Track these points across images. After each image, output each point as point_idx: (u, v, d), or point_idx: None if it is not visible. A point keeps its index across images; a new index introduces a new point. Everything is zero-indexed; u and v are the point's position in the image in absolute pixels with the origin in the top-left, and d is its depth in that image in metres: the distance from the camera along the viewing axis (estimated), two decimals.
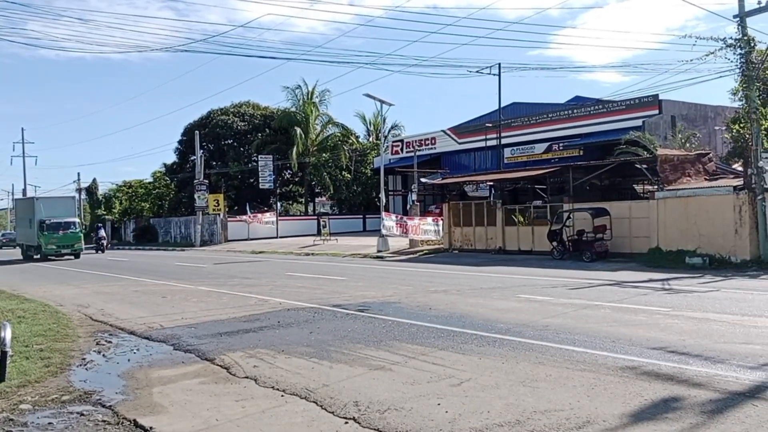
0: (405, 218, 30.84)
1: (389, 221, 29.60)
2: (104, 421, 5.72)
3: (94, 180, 66.44)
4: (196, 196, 42.57)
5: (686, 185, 20.42)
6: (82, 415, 5.89)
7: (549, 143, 36.13)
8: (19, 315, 11.59)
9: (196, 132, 45.57)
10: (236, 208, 49.73)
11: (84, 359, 8.29)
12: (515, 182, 30.43)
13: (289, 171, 51.71)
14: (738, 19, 18.30)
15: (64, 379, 7.23)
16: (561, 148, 35.42)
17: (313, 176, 49.29)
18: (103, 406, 6.17)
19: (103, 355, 8.59)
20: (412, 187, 38.37)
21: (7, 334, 7.18)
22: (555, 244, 22.44)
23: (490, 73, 33.83)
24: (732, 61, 18.48)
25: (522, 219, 25.44)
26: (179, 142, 54.84)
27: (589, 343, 8.11)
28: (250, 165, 49.18)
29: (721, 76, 25.66)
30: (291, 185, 55.75)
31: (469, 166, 41.69)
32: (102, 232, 42.28)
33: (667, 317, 9.96)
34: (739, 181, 19.28)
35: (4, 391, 6.57)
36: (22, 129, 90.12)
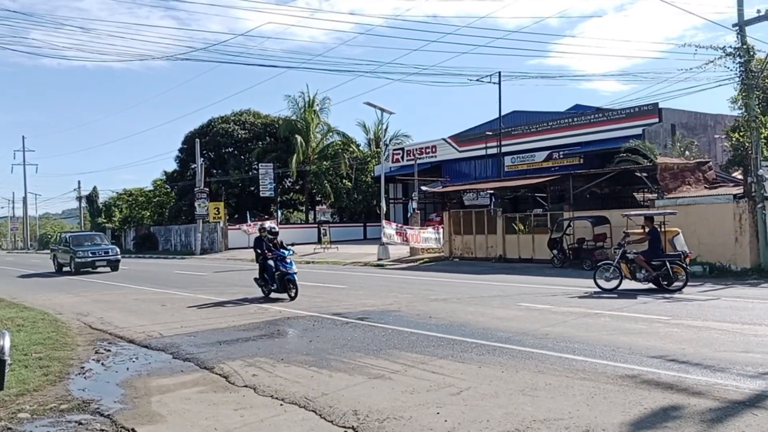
0: (405, 227, 30.86)
1: (390, 229, 29.61)
2: (102, 430, 5.70)
3: (95, 188, 66.64)
4: (196, 204, 42.62)
5: (686, 193, 20.43)
6: (81, 424, 5.88)
7: (549, 151, 36.15)
8: (18, 323, 11.58)
9: (197, 140, 45.68)
10: (237, 216, 49.75)
11: (83, 368, 8.27)
12: (515, 190, 30.45)
13: (289, 179, 51.76)
14: (737, 28, 18.36)
15: (63, 387, 7.21)
16: (561, 156, 35.45)
17: (313, 184, 49.33)
18: (102, 415, 6.15)
19: (102, 364, 8.57)
20: (413, 195, 38.37)
21: (6, 343, 7.15)
22: (555, 252, 22.45)
23: (490, 82, 33.90)
24: (731, 70, 18.55)
25: (522, 227, 25.45)
26: (180, 150, 54.95)
27: (589, 352, 8.10)
28: (250, 173, 49.24)
29: (720, 85, 25.83)
30: (291, 193, 55.80)
31: (469, 174, 41.71)
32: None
33: (667, 326, 9.95)
34: (739, 190, 19.30)
35: (2, 399, 6.55)
36: (23, 137, 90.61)
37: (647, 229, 15.17)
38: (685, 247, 15.31)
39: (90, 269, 27.08)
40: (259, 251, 15.20)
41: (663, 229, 15.34)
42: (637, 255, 14.61)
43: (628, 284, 14.65)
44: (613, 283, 14.54)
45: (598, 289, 14.54)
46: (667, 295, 13.69)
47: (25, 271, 29.81)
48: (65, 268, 28.07)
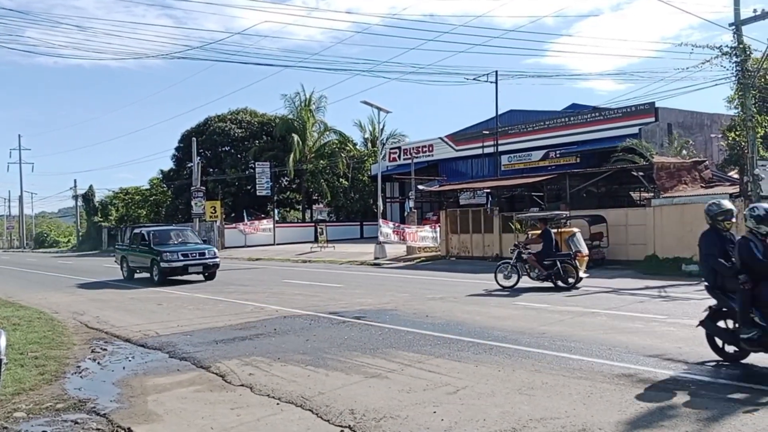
0: (402, 225, 30.88)
1: (386, 228, 29.61)
2: (98, 429, 5.69)
3: (91, 187, 66.34)
4: (193, 203, 42.56)
5: (682, 193, 20.48)
6: (77, 423, 5.86)
7: (546, 150, 36.19)
8: (14, 322, 11.55)
9: (194, 139, 45.60)
10: (233, 215, 49.69)
11: (79, 367, 8.25)
12: (512, 189, 30.46)
13: (286, 178, 51.72)
14: (734, 27, 18.35)
15: (59, 386, 7.19)
16: (558, 155, 35.48)
17: (310, 183, 49.28)
18: (98, 414, 6.14)
19: (98, 363, 8.55)
20: (410, 194, 38.38)
21: (2, 342, 7.13)
22: None
23: (487, 81, 33.87)
24: (728, 69, 18.56)
25: (519, 226, 25.44)
26: (176, 148, 54.83)
27: (586, 351, 8.11)
28: (247, 172, 49.19)
29: (716, 84, 25.86)
30: (288, 192, 55.77)
31: (466, 173, 41.72)
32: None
33: (664, 325, 9.96)
34: (735, 189, 19.35)
35: None
36: (19, 136, 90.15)
37: (541, 231, 15.96)
38: (580, 246, 16.12)
39: (178, 277, 20.22)
40: (726, 263, 7.19)
41: (559, 230, 16.18)
42: (529, 255, 15.39)
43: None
44: (512, 281, 15.38)
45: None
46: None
47: (83, 279, 22.79)
48: (139, 274, 21.76)
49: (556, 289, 14.87)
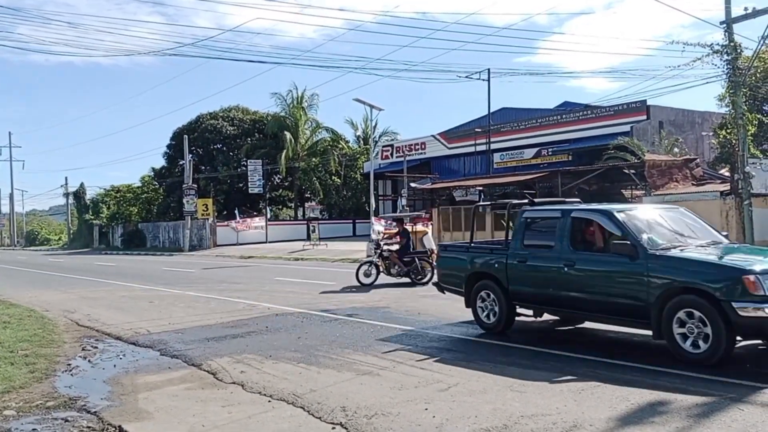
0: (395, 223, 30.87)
1: (379, 226, 29.57)
2: (89, 427, 5.66)
3: (82, 184, 66.01)
4: (184, 200, 42.42)
5: (674, 190, 20.57)
6: (67, 421, 5.83)
7: (538, 148, 36.28)
8: (4, 320, 11.47)
9: (185, 136, 45.43)
10: (225, 212, 49.60)
11: (69, 365, 8.21)
12: (504, 187, 30.51)
13: (278, 176, 51.61)
14: (725, 25, 18.43)
15: (49, 384, 7.16)
16: (550, 153, 35.56)
17: (302, 181, 49.21)
18: (88, 412, 6.11)
19: (89, 361, 8.51)
20: (402, 192, 38.39)
21: None
22: None
23: (479, 79, 33.96)
24: (719, 67, 18.64)
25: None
26: (168, 146, 54.64)
27: (577, 347, 8.13)
28: (239, 170, 49.08)
29: (708, 82, 25.94)
30: (280, 190, 55.68)
31: (458, 171, 41.77)
32: None
33: None
34: (725, 187, 19.47)
35: None
36: (9, 133, 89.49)
37: (399, 230, 17.10)
38: (432, 245, 17.21)
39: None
40: None
41: (413, 229, 17.40)
42: (390, 253, 16.43)
43: (384, 279, 16.29)
44: (371, 278, 16.32)
45: (358, 284, 16.00)
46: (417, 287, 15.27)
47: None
48: (524, 312, 9.23)
49: (413, 284, 15.81)
